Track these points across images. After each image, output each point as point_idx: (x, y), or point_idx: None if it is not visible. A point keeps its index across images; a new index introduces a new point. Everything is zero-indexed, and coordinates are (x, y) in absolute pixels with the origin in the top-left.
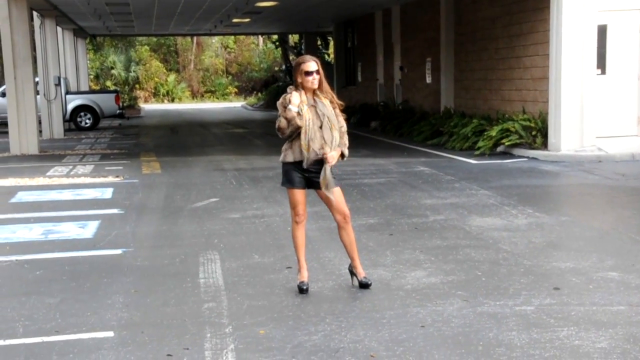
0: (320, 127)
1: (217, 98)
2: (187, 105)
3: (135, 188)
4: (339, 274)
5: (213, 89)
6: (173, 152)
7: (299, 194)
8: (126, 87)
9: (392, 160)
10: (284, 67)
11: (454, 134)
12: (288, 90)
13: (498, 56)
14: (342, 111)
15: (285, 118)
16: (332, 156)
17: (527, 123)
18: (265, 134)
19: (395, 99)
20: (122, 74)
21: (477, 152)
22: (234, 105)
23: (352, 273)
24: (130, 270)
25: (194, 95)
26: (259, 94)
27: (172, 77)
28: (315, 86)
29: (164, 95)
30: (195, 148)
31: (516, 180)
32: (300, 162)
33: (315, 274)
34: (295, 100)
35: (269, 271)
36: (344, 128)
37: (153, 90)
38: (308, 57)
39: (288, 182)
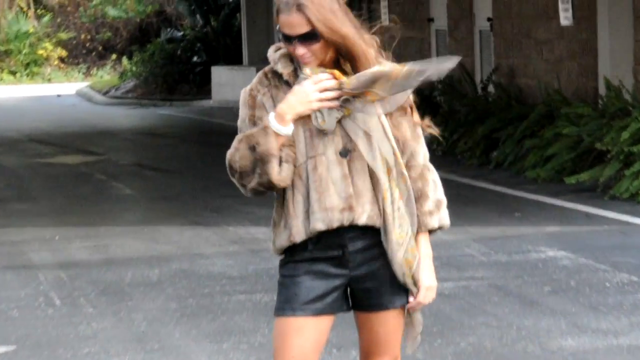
0: (345, 156)
1: (14, 75)
2: None
3: None
4: None
5: (2, 49)
6: None
7: (303, 331)
8: None
9: (475, 232)
10: None
11: (637, 159)
12: (272, 53)
13: None
14: None
15: (252, 143)
16: (429, 292)
17: None
18: (143, 167)
19: (477, 70)
20: None
21: None
22: (60, 91)
23: None
24: None
25: None
26: (126, 62)
27: None
28: (308, 66)
29: None
30: None
31: None
32: (322, 240)
33: None
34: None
35: None
36: (421, 160)
37: None
38: None
39: (286, 301)
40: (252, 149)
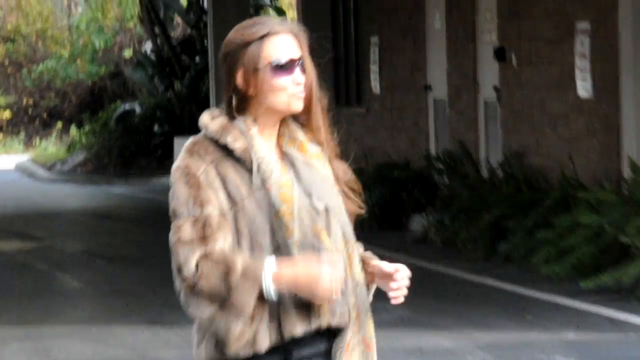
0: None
1: None
2: None
3: None
4: None
5: None
6: None
7: None
8: None
9: (479, 338)
10: (147, 48)
11: None
12: (210, 122)
13: None
14: None
15: (230, 280)
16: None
17: None
18: (93, 255)
19: (481, 146)
20: None
21: None
22: None
23: None
24: None
25: None
26: (75, 131)
27: None
28: (299, 107)
29: None
30: None
31: None
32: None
33: None
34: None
35: None
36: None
37: None
38: (276, 21)
39: None
40: (226, 286)
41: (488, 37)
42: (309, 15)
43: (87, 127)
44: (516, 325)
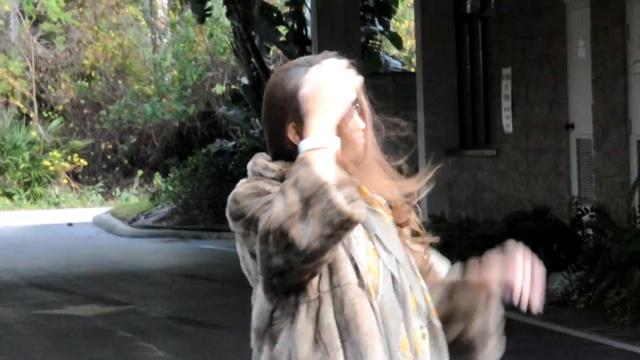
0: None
1: (10, 197)
2: None
3: None
4: None
5: None
6: None
7: None
8: None
9: None
10: (244, 80)
11: None
12: (254, 166)
13: None
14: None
15: (290, 184)
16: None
17: None
18: (181, 321)
19: (635, 196)
20: None
21: None
22: (71, 219)
23: None
24: None
25: None
26: (159, 179)
27: None
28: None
29: None
30: None
31: None
32: None
33: None
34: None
35: None
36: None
37: None
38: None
39: None
40: (297, 188)
41: None
42: (430, 43)
43: (173, 175)
44: None
